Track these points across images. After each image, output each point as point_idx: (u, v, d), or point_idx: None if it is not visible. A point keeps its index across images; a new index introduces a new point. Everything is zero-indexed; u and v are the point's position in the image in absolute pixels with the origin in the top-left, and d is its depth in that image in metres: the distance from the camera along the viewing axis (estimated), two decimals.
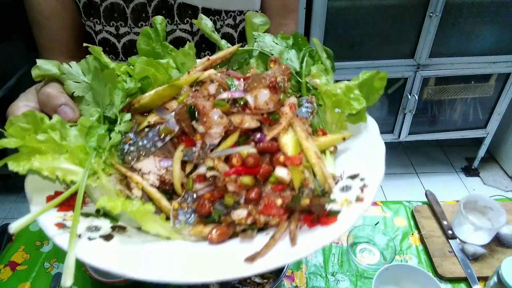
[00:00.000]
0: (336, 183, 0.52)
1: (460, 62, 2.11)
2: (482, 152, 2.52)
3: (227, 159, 0.50)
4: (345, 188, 0.49)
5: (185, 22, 0.83)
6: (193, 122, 0.51)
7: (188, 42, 0.84)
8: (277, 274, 0.87)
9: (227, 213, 0.48)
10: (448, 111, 2.41)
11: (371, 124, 0.59)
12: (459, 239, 1.00)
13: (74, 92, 0.55)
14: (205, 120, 0.50)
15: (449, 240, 1.00)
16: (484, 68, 2.14)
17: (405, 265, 0.89)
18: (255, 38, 0.70)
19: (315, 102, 0.62)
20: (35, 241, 1.04)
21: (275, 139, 0.52)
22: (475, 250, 0.95)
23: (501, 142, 2.64)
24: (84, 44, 0.56)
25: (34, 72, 0.53)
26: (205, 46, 0.87)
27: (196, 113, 0.51)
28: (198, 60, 0.67)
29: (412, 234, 1.05)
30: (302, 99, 0.61)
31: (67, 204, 0.47)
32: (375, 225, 1.03)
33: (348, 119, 0.60)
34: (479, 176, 2.63)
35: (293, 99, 0.58)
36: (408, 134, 2.41)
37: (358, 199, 0.46)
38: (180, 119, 0.52)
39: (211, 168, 0.50)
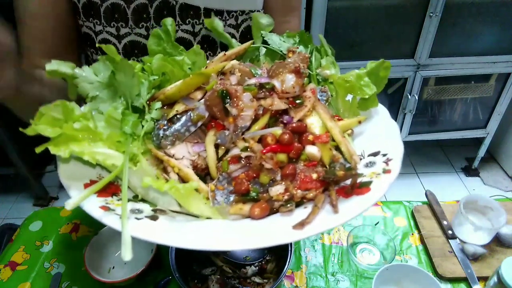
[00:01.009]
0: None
1: (460, 62, 2.11)
2: (482, 152, 2.52)
3: (259, 141, 0.54)
4: (370, 164, 0.53)
5: (187, 22, 0.82)
6: (227, 105, 0.54)
7: (190, 42, 0.85)
8: (277, 274, 0.87)
9: (264, 191, 0.50)
10: (448, 111, 2.41)
11: (380, 109, 0.64)
12: (459, 239, 1.00)
13: (89, 93, 0.57)
14: (237, 103, 0.54)
15: (449, 240, 1.00)
16: (484, 68, 2.14)
17: (405, 265, 0.89)
18: (263, 37, 0.74)
19: (329, 91, 0.66)
20: (35, 241, 1.04)
21: (300, 121, 0.56)
22: (475, 250, 0.95)
23: (501, 142, 2.64)
24: (97, 45, 0.58)
25: (48, 71, 0.54)
26: (206, 46, 0.87)
27: (228, 97, 0.54)
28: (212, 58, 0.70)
29: (412, 234, 1.05)
30: (317, 89, 0.64)
31: (104, 191, 0.49)
32: (375, 225, 1.03)
33: (360, 105, 0.64)
34: (479, 176, 2.63)
35: (312, 85, 0.63)
36: (408, 134, 2.40)
37: (385, 171, 0.50)
38: (211, 104, 0.55)
39: (245, 149, 0.53)
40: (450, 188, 2.55)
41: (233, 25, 0.86)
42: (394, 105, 2.30)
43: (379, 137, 0.58)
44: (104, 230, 0.93)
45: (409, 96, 2.21)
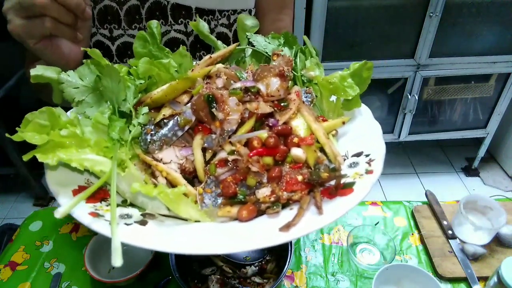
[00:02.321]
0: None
1: (460, 62, 2.11)
2: (482, 152, 2.52)
3: (246, 144, 0.54)
4: (353, 165, 0.54)
5: (179, 22, 0.83)
6: (213, 110, 0.54)
7: (183, 42, 0.85)
8: (277, 274, 0.87)
9: (250, 193, 0.51)
10: (448, 111, 2.41)
11: (364, 109, 0.65)
12: (459, 239, 1.00)
13: (75, 97, 0.57)
14: (224, 107, 0.54)
15: (449, 240, 1.00)
16: (484, 68, 2.14)
17: (405, 265, 0.89)
18: (248, 39, 0.75)
19: (313, 92, 0.67)
20: (35, 241, 1.05)
21: (286, 123, 0.57)
22: (475, 250, 0.95)
23: (501, 142, 2.64)
24: (82, 48, 0.58)
25: (33, 76, 0.54)
26: (200, 46, 0.88)
27: (214, 101, 0.55)
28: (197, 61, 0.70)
29: (412, 234, 1.05)
30: (301, 90, 0.65)
31: (93, 197, 0.49)
32: (375, 225, 1.03)
33: (344, 106, 0.66)
34: (479, 176, 2.63)
35: (297, 87, 0.64)
36: (408, 134, 2.41)
37: (368, 172, 0.51)
38: (198, 108, 0.56)
39: (232, 152, 0.53)
40: (450, 188, 2.55)
41: (225, 24, 0.86)
42: (394, 105, 2.30)
43: (362, 137, 0.60)
44: None
45: (409, 96, 2.21)
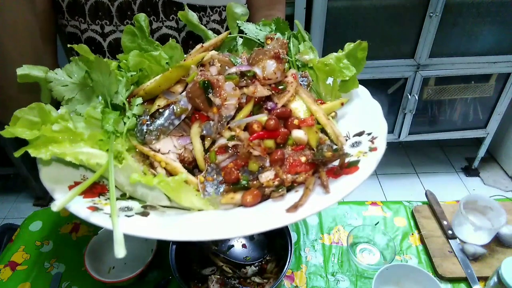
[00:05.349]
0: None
1: (460, 62, 2.11)
2: (482, 152, 2.52)
3: (245, 129, 0.53)
4: (356, 144, 0.54)
5: (171, 19, 0.82)
6: (210, 96, 0.53)
7: (174, 38, 0.84)
8: (277, 274, 0.87)
9: (254, 178, 0.50)
10: (448, 111, 2.41)
11: (361, 90, 0.65)
12: (459, 239, 1.00)
13: (64, 95, 0.55)
14: (220, 92, 0.53)
15: (449, 240, 1.00)
16: (484, 68, 2.14)
17: (405, 265, 0.89)
18: (239, 27, 0.74)
19: (309, 76, 0.66)
20: (35, 241, 1.04)
21: (284, 106, 0.56)
22: (475, 250, 0.95)
23: (501, 142, 2.64)
24: (69, 45, 0.56)
25: (20, 75, 0.53)
26: (192, 42, 0.87)
27: (210, 87, 0.53)
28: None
29: (412, 234, 1.05)
30: (298, 74, 0.64)
31: (91, 192, 0.48)
32: (375, 225, 1.03)
33: (341, 88, 0.65)
34: (479, 176, 2.63)
35: (293, 70, 0.63)
36: (408, 134, 2.40)
37: (372, 149, 0.50)
38: (193, 96, 0.54)
39: (232, 138, 0.52)
40: (450, 188, 2.54)
41: (217, 20, 0.86)
42: (394, 105, 2.30)
43: (362, 117, 0.59)
44: (104, 230, 0.93)
45: (409, 96, 2.21)
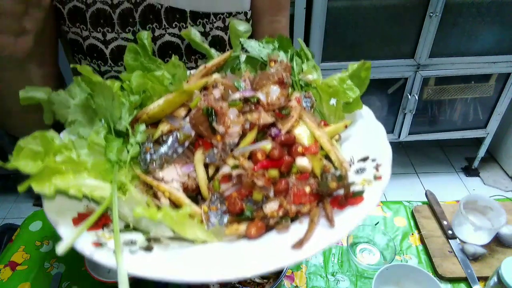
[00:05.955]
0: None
1: (460, 62, 2.11)
2: (482, 152, 2.52)
3: (249, 157, 0.52)
4: (360, 171, 0.52)
5: (174, 26, 0.81)
6: (213, 123, 0.52)
7: (177, 46, 0.84)
8: (277, 274, 0.87)
9: (257, 209, 0.49)
10: (448, 111, 2.41)
11: (365, 111, 0.63)
12: (459, 239, 1.00)
13: (67, 118, 0.55)
14: (224, 119, 0.52)
15: (449, 240, 1.00)
16: (484, 68, 2.14)
17: (405, 265, 0.89)
18: (242, 44, 0.72)
19: (313, 97, 0.65)
20: (35, 241, 1.04)
21: (288, 132, 0.55)
22: (475, 250, 0.95)
23: (501, 142, 2.64)
24: (72, 66, 0.55)
25: (22, 97, 0.52)
26: (194, 49, 0.87)
27: (214, 115, 0.52)
28: (192, 71, 0.68)
29: (412, 234, 1.05)
30: (301, 95, 0.63)
31: (95, 224, 0.47)
32: (375, 225, 1.03)
33: (345, 109, 0.63)
34: (479, 176, 2.63)
35: (297, 93, 0.61)
36: (408, 134, 2.41)
37: (376, 178, 0.49)
38: (197, 123, 0.53)
39: (235, 167, 0.51)
40: (450, 188, 2.55)
41: (221, 27, 0.85)
42: (394, 105, 2.30)
43: (366, 140, 0.58)
44: None
45: (409, 96, 2.21)
